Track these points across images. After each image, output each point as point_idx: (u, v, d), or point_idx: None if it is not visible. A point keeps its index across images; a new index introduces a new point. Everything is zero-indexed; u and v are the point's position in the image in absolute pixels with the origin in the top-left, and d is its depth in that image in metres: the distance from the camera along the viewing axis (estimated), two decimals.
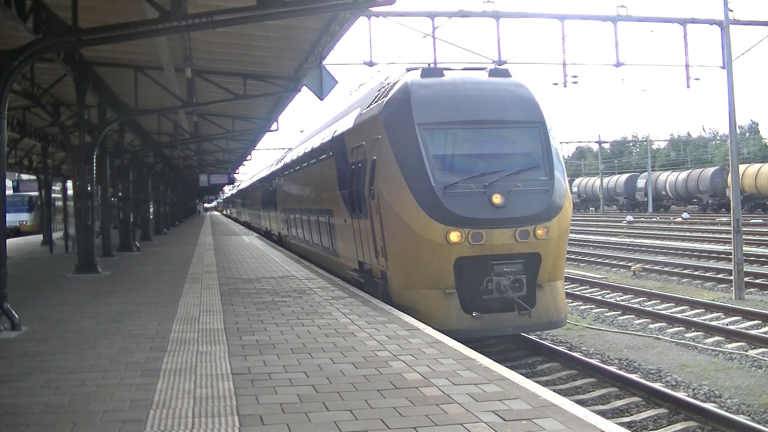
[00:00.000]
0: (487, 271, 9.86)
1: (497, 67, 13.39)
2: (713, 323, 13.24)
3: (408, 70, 12.03)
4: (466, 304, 9.89)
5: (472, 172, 10.15)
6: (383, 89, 12.10)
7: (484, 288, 9.89)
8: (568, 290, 16.03)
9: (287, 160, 25.46)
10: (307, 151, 19.54)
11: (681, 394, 8.61)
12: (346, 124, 14.05)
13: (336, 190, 14.00)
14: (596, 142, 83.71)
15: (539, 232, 9.99)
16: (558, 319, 10.32)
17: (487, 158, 10.43)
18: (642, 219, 52.10)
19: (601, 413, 7.43)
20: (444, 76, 11.32)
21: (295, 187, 22.01)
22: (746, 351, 11.21)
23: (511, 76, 11.57)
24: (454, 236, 9.72)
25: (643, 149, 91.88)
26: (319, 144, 17.23)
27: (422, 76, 11.23)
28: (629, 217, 50.67)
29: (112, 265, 17.38)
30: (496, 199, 9.91)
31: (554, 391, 7.28)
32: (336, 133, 14.86)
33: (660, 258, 24.61)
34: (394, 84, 11.49)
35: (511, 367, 7.65)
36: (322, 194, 15.88)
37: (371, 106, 12.18)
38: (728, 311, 14.38)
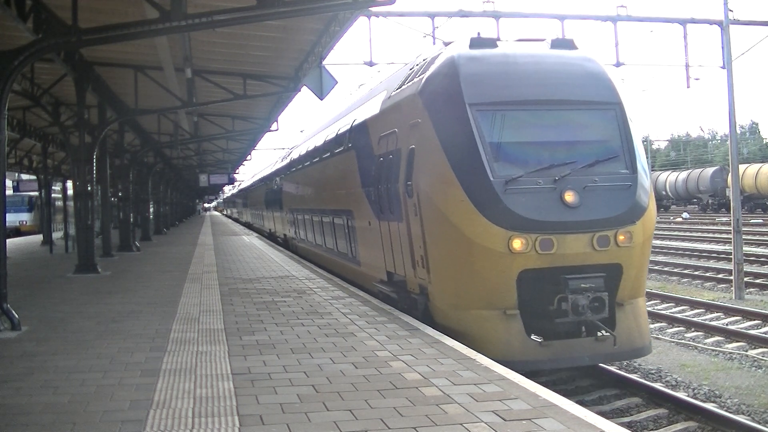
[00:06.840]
0: (559, 288, 8.03)
1: (560, 37, 11.24)
2: (713, 323, 13.24)
3: (446, 44, 10.16)
4: (531, 329, 8.13)
5: (539, 163, 8.38)
6: (418, 66, 10.20)
7: (556, 308, 8.03)
8: None
9: (295, 155, 22.90)
10: (319, 144, 17.42)
11: (681, 394, 8.62)
12: (370, 110, 12.21)
13: (358, 187, 12.27)
14: None
15: (621, 238, 8.19)
16: (642, 346, 8.50)
17: (555, 147, 8.65)
18: None
19: (601, 413, 7.41)
20: (497, 47, 9.47)
21: (305, 185, 19.87)
22: (746, 351, 11.21)
23: (577, 48, 9.71)
24: (518, 243, 7.93)
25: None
26: (334, 135, 15.16)
27: (471, 47, 9.32)
28: None
29: (112, 265, 17.37)
30: (569, 197, 8.14)
31: (554, 391, 7.25)
32: (356, 122, 13.02)
33: (660, 258, 24.59)
34: (435, 57, 9.59)
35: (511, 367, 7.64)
36: (340, 192, 14.07)
37: (403, 87, 10.40)
38: (728, 311, 14.37)
